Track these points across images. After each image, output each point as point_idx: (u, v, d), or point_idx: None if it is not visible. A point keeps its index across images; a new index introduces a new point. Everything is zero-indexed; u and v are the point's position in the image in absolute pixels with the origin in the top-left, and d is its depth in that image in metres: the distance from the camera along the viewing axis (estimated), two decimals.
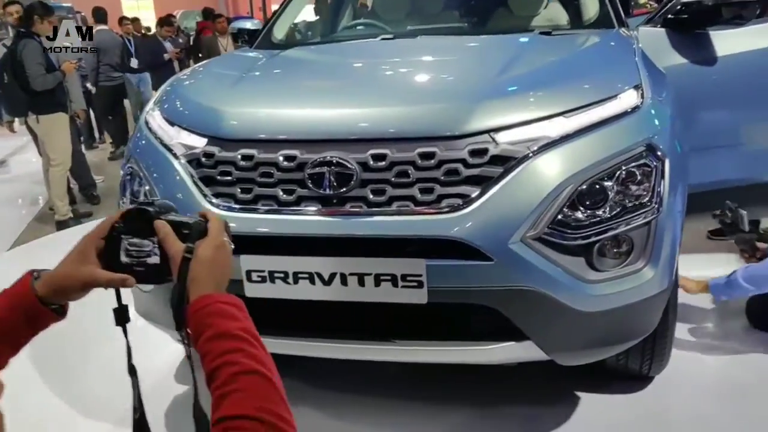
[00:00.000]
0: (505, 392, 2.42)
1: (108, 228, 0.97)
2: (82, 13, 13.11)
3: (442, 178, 1.83)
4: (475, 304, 1.83)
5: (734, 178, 3.59)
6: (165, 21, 9.00)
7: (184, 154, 2.08)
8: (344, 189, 1.86)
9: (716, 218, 3.61)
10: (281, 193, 1.92)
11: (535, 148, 1.83)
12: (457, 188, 1.82)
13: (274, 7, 7.87)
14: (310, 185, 1.88)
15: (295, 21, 3.81)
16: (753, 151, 3.51)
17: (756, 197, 3.70)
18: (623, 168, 1.86)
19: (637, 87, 2.04)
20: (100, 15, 7.88)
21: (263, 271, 1.88)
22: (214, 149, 2.02)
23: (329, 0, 4.48)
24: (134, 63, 7.94)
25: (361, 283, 1.82)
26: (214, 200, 1.97)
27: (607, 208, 1.84)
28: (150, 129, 2.27)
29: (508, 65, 2.22)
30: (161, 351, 2.62)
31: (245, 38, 3.56)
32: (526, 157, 1.82)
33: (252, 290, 1.90)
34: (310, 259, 1.86)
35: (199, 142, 2.07)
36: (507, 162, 1.82)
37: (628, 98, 1.99)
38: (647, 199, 1.88)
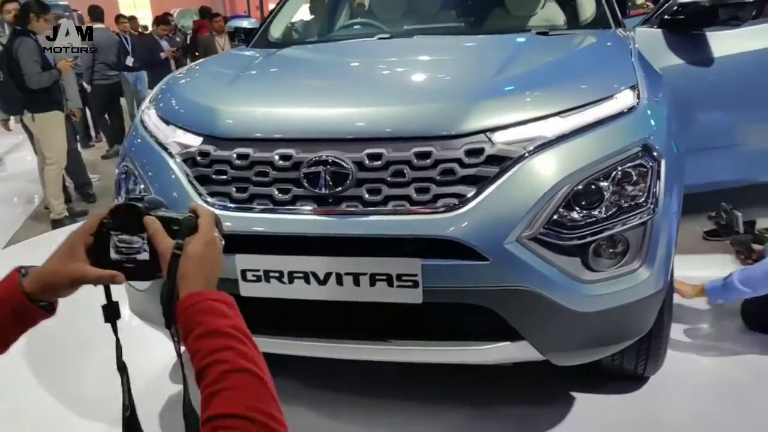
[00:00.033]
0: (500, 392, 2.42)
1: (96, 224, 0.95)
2: (79, 12, 13.06)
3: (438, 177, 1.82)
4: (470, 304, 1.83)
5: (730, 179, 3.59)
6: (162, 19, 8.97)
7: (180, 153, 2.07)
8: (340, 188, 1.85)
9: (712, 219, 3.63)
10: (277, 192, 1.92)
11: (531, 148, 1.83)
12: (452, 188, 1.82)
13: (271, 6, 7.87)
14: (306, 184, 1.88)
15: (292, 20, 3.81)
16: (749, 152, 3.51)
17: (751, 198, 3.70)
18: (619, 168, 1.86)
19: (633, 87, 2.04)
20: (96, 13, 7.86)
21: (258, 271, 1.88)
22: (210, 148, 2.02)
23: None
24: (129, 61, 7.92)
25: (357, 282, 1.82)
26: (209, 199, 1.97)
27: (603, 209, 1.84)
28: (145, 127, 2.26)
29: (505, 65, 2.21)
30: (156, 350, 2.61)
31: (242, 37, 3.56)
32: (522, 157, 1.82)
33: (247, 290, 1.89)
34: (305, 259, 1.85)
35: (195, 141, 2.07)
36: (503, 162, 1.82)
37: (625, 98, 1.99)
38: (643, 199, 1.88)
